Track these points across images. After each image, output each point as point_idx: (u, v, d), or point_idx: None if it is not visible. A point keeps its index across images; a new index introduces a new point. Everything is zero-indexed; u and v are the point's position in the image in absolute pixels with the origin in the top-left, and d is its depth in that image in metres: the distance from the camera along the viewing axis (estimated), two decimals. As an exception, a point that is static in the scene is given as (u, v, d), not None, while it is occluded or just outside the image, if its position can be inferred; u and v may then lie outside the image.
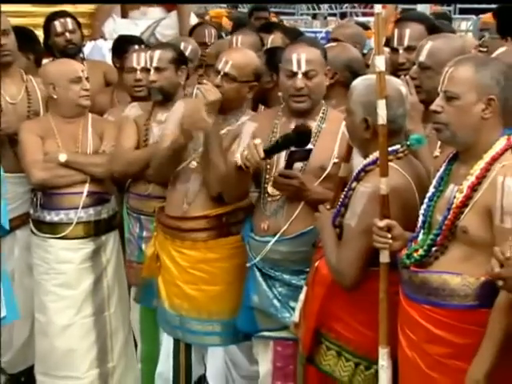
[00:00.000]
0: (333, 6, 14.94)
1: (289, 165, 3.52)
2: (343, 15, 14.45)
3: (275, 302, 3.66)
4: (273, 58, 4.21)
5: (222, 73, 3.86)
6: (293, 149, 3.43)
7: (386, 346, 2.98)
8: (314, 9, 15.50)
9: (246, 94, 3.93)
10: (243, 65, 3.88)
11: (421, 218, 2.89)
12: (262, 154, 3.39)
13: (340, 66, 4.04)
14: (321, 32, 9.40)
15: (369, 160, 3.11)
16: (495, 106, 2.72)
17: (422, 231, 2.87)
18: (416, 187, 3.05)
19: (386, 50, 3.75)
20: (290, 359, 3.66)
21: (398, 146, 3.08)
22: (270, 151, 3.44)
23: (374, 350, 3.06)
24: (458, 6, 13.48)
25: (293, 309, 3.58)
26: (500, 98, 2.72)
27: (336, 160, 3.53)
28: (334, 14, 14.84)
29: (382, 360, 2.98)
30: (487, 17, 7.28)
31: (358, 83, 3.17)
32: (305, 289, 3.40)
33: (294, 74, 3.58)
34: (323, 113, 3.67)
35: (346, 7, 14.71)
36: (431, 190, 2.89)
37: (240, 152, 3.54)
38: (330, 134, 3.60)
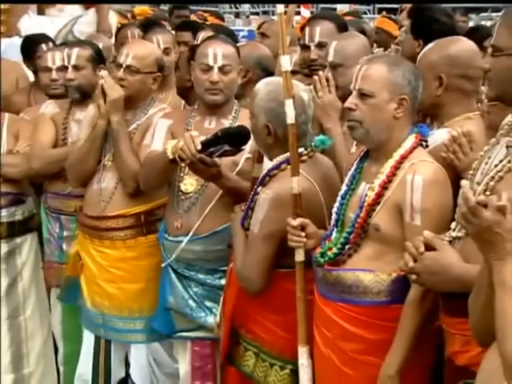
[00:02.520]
0: (255, 5, 15.00)
1: (210, 154, 3.40)
2: (266, 14, 14.50)
3: (191, 302, 3.65)
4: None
5: (124, 66, 3.85)
6: (227, 148, 3.34)
7: (304, 344, 2.99)
8: (236, 8, 15.51)
9: (150, 86, 3.93)
10: (144, 56, 3.89)
11: (334, 216, 2.91)
12: (199, 146, 3.31)
13: (252, 64, 4.09)
14: (243, 30, 9.41)
15: (272, 165, 3.12)
16: (407, 106, 2.77)
17: (335, 229, 2.90)
18: (321, 188, 3.06)
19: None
20: (208, 359, 3.66)
21: (301, 150, 3.09)
22: (208, 144, 3.33)
23: (288, 350, 3.09)
24: (377, 5, 13.69)
25: (209, 308, 3.60)
26: (411, 98, 2.78)
27: (248, 155, 3.53)
28: (257, 13, 14.89)
29: (302, 359, 2.99)
30: (380, 20, 7.37)
31: (261, 87, 3.17)
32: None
33: (210, 68, 3.59)
34: (235, 112, 3.68)
35: (269, 6, 14.77)
36: (343, 187, 2.92)
37: (172, 145, 3.43)
38: None
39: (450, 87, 3.10)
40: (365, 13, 13.69)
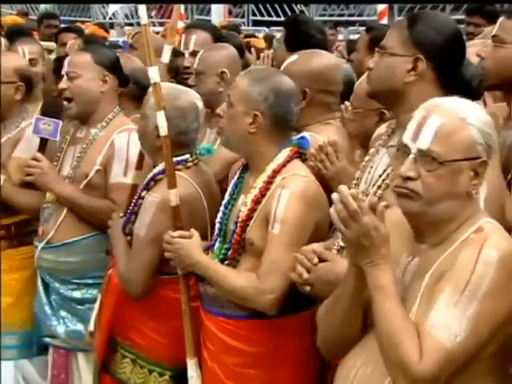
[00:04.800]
0: (129, 15, 14.88)
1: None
2: (139, 25, 14.40)
3: (47, 308, 3.64)
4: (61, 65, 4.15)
5: None
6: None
7: (193, 357, 2.95)
8: (110, 18, 15.35)
9: (13, 96, 3.84)
10: (3, 66, 3.81)
11: (217, 226, 2.90)
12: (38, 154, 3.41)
13: None
14: (118, 41, 9.31)
15: (158, 169, 3.09)
16: (261, 123, 2.76)
17: (218, 239, 2.89)
18: (205, 195, 3.07)
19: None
20: (62, 368, 3.64)
21: (187, 156, 3.09)
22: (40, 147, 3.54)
23: (167, 356, 3.08)
24: (252, 18, 13.85)
25: (62, 318, 3.60)
26: (267, 115, 2.76)
27: (99, 167, 3.51)
28: (131, 24, 14.78)
29: (191, 371, 2.95)
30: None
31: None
32: (99, 297, 3.34)
33: (62, 77, 3.61)
34: (106, 121, 3.62)
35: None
36: (226, 197, 2.92)
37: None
38: (103, 141, 3.56)
39: (312, 101, 3.17)
40: (240, 25, 13.81)
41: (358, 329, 2.13)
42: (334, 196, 1.98)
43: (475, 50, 2.89)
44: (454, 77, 2.45)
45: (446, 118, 2.01)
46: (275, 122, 2.78)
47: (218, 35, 4.07)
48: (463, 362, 1.93)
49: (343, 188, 1.99)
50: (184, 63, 3.93)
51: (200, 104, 3.14)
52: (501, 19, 2.74)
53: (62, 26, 7.33)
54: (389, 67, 2.47)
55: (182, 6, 9.71)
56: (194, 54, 3.89)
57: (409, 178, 2.00)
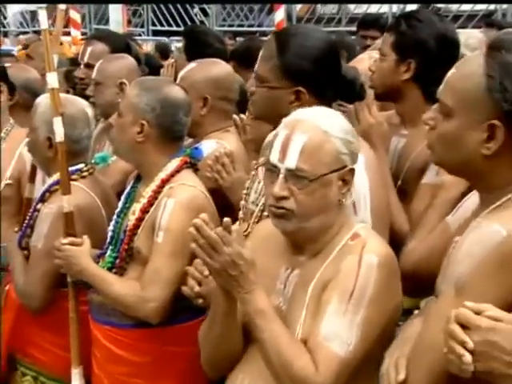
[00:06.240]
0: (24, 24, 14.58)
1: None
2: (37, 33, 14.14)
3: None
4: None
5: None
6: None
7: (77, 366, 2.92)
8: (4, 26, 15.02)
9: None
10: None
11: (109, 234, 2.90)
12: None
13: (18, 87, 3.98)
14: (12, 50, 9.11)
15: (53, 180, 3.04)
16: (148, 132, 2.77)
17: (109, 247, 2.87)
18: (103, 205, 3.05)
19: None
20: None
21: (82, 165, 3.07)
22: None
23: (69, 371, 2.99)
24: (151, 28, 13.76)
25: None
26: (154, 125, 2.77)
27: (9, 181, 3.45)
28: (27, 32, 14.49)
29: (75, 381, 2.92)
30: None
31: (42, 100, 3.12)
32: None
33: None
34: (5, 132, 3.58)
35: (38, 26, 14.42)
36: (120, 205, 2.91)
37: None
38: (9, 154, 3.50)
39: (212, 108, 3.21)
40: (139, 35, 13.72)
41: (237, 348, 2.14)
42: (191, 230, 1.99)
43: (367, 64, 2.97)
44: (333, 91, 2.48)
45: (310, 134, 2.04)
46: (162, 132, 2.79)
47: (118, 46, 4.08)
48: (356, 367, 1.98)
49: (198, 221, 1.99)
50: (79, 74, 3.97)
51: (90, 111, 3.13)
52: (385, 33, 2.81)
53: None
54: (271, 99, 2.47)
55: (79, 15, 9.62)
56: (88, 65, 3.95)
57: (282, 198, 2.03)
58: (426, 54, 2.66)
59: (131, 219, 2.77)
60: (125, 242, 2.76)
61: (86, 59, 3.98)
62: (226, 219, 2.04)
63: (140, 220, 2.75)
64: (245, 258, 1.99)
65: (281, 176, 2.04)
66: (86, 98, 3.76)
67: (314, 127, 2.05)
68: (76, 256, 2.82)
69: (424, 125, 1.93)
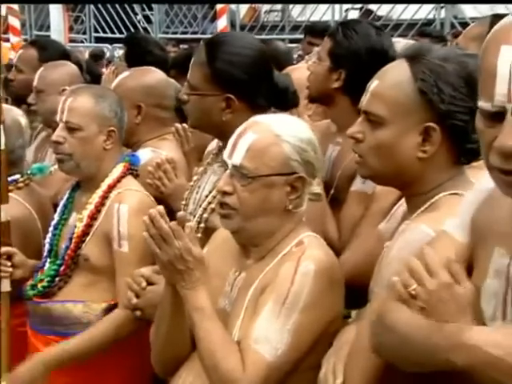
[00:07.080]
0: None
1: None
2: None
3: None
4: None
5: None
6: None
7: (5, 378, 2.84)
8: None
9: None
10: None
11: (47, 247, 2.86)
12: None
13: None
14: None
15: None
16: (115, 137, 2.79)
17: (48, 260, 2.84)
18: (39, 216, 3.02)
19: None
20: None
21: (17, 176, 3.03)
22: None
23: None
24: (94, 34, 13.67)
25: None
26: (118, 129, 2.80)
27: None
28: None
29: None
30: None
31: None
32: None
33: None
34: None
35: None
36: (56, 217, 2.88)
37: None
38: None
39: (147, 116, 3.19)
40: (81, 41, 13.63)
41: (185, 347, 2.13)
42: (145, 219, 2.00)
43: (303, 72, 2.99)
44: (264, 98, 2.49)
45: (260, 135, 2.06)
46: (121, 136, 2.83)
47: (61, 53, 4.08)
48: (285, 373, 1.98)
49: (153, 212, 2.00)
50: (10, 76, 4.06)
51: (23, 121, 3.09)
52: (325, 38, 2.84)
53: None
54: (203, 106, 2.49)
55: (18, 22, 9.51)
56: (16, 68, 4.04)
57: (226, 193, 2.05)
58: (356, 67, 2.65)
59: (79, 226, 2.74)
60: (71, 249, 2.73)
61: (14, 62, 4.07)
62: (181, 213, 2.06)
63: (88, 226, 2.73)
64: (193, 254, 1.99)
65: (227, 172, 2.07)
66: (27, 105, 3.74)
67: (266, 129, 2.07)
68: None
69: (350, 139, 1.94)
